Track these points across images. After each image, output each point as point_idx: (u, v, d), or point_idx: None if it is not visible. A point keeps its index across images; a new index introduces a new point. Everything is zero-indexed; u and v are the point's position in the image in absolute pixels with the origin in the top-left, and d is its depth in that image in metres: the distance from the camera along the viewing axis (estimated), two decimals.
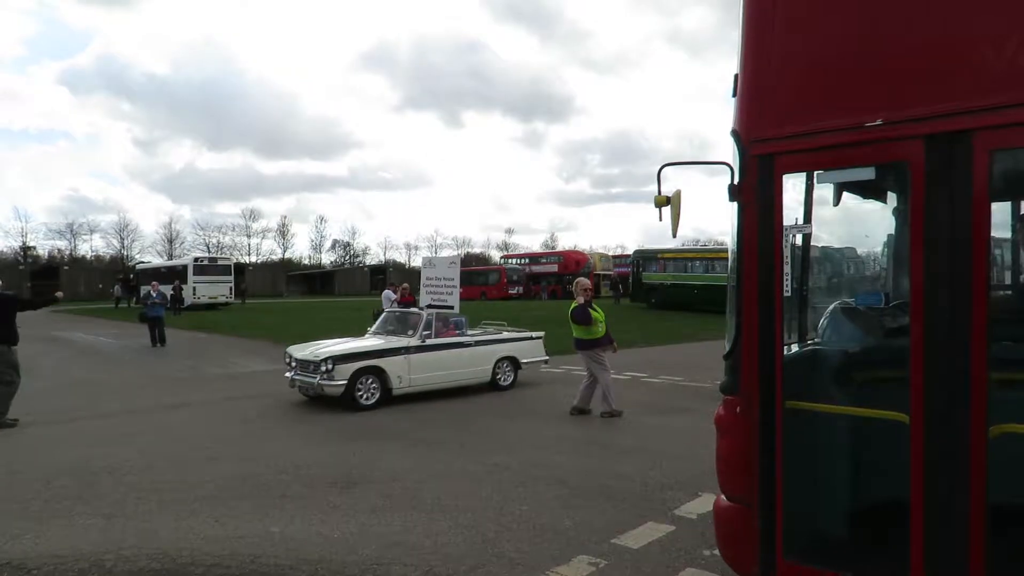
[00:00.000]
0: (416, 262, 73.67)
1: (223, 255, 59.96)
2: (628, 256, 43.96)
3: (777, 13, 3.26)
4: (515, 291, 48.65)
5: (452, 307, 16.42)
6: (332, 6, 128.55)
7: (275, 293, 63.11)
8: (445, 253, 71.32)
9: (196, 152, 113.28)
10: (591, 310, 9.38)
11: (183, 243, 76.85)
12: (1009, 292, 4.40)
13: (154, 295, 20.69)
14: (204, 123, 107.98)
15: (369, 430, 8.77)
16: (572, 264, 50.51)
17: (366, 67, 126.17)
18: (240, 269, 51.15)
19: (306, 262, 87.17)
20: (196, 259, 42.54)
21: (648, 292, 33.96)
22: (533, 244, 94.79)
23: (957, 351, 2.81)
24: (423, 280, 16.99)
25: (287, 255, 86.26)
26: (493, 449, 7.66)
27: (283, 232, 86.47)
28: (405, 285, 18.24)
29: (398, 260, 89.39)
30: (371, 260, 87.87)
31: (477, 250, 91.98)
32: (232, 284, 41.31)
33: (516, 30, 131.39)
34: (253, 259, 79.94)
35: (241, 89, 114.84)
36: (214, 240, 79.16)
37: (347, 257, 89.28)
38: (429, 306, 16.81)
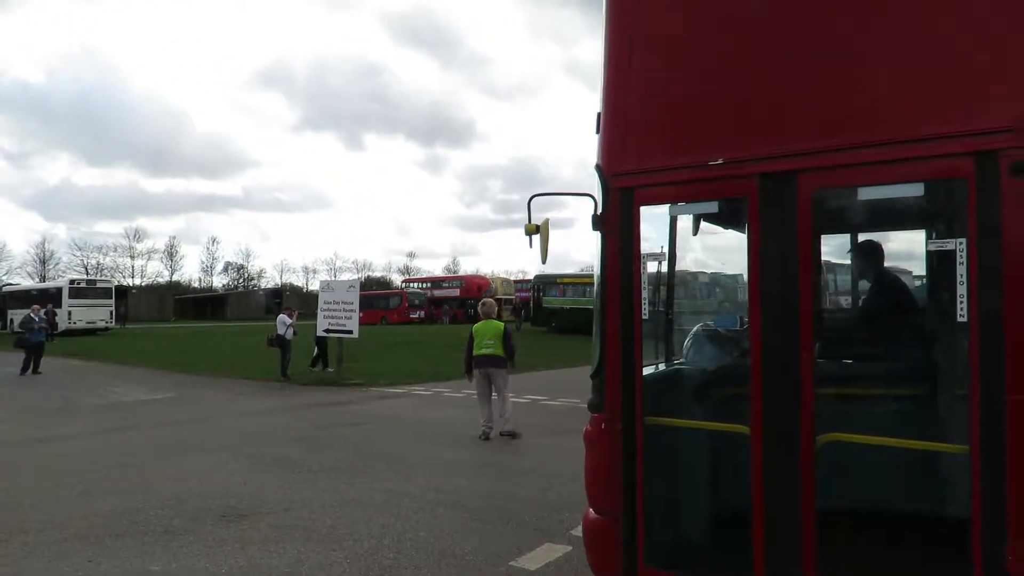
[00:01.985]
0: (314, 286, 71.63)
1: (103, 277, 56.27)
2: (529, 281, 44.59)
3: (633, 60, 3.54)
4: (416, 315, 48.20)
5: (351, 332, 16.16)
6: (225, 21, 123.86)
7: (162, 317, 59.70)
8: (345, 277, 69.93)
9: (73, 167, 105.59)
10: None
11: (58, 264, 71.30)
12: (833, 315, 4.87)
13: (36, 318, 19.21)
14: (83, 136, 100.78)
15: (262, 460, 8.43)
16: (474, 289, 50.61)
17: (262, 85, 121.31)
18: (122, 292, 48.02)
19: (196, 285, 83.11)
20: (72, 281, 39.75)
21: (548, 316, 34.54)
22: (435, 268, 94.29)
23: (788, 368, 3.11)
24: (321, 304, 16.66)
25: (175, 278, 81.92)
26: (391, 475, 7.54)
27: (171, 253, 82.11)
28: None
29: (295, 284, 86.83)
30: (267, 283, 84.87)
31: (378, 274, 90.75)
32: (112, 308, 38.80)
33: (417, 55, 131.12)
34: (137, 282, 75.45)
35: (125, 102, 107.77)
36: (93, 261, 73.95)
37: (241, 280, 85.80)
38: (327, 331, 16.47)
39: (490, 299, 11.00)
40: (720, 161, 3.27)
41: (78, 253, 73.37)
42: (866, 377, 4.06)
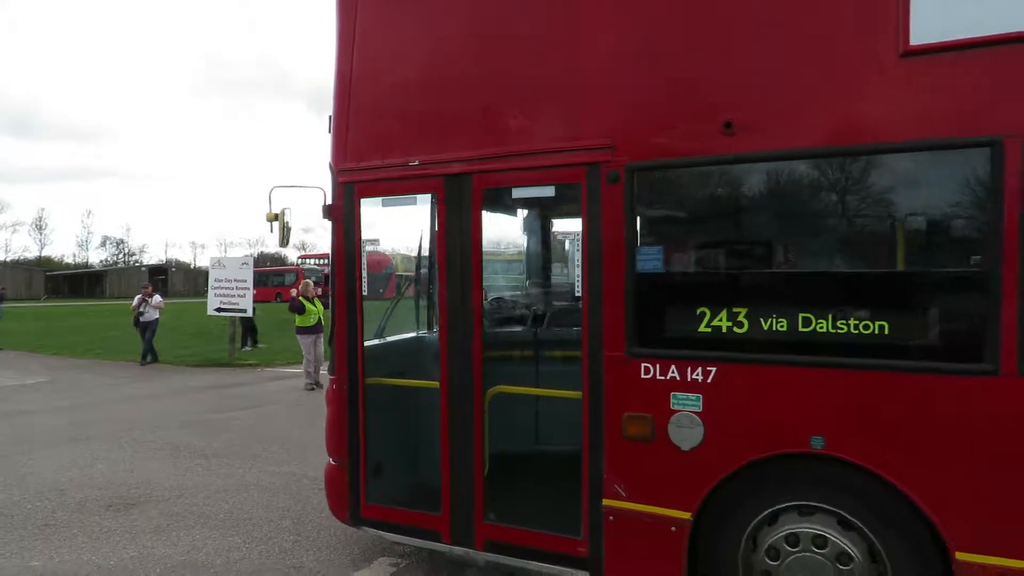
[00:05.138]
0: (203, 262, 68.18)
1: None
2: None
3: (354, 76, 4.29)
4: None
5: (244, 310, 15.58)
6: None
7: (31, 296, 55.27)
8: (236, 253, 66.94)
9: None
10: (308, 303, 12.15)
11: None
12: (494, 292, 6.00)
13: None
14: None
15: (150, 446, 8.08)
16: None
17: (144, 49, 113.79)
18: None
19: (70, 261, 77.36)
20: None
21: None
22: None
23: (465, 333, 3.99)
24: (211, 282, 15.96)
25: (45, 253, 75.91)
26: (288, 458, 7.43)
27: (39, 227, 75.94)
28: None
29: (182, 259, 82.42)
30: (150, 259, 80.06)
31: (272, 250, 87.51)
32: None
33: (312, 25, 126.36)
34: (0, 257, 69.29)
35: None
36: None
37: (121, 256, 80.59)
38: (219, 309, 15.80)
39: (307, 279, 13.56)
40: (417, 163, 4.06)
41: None
42: (531, 342, 5.19)
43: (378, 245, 4.54)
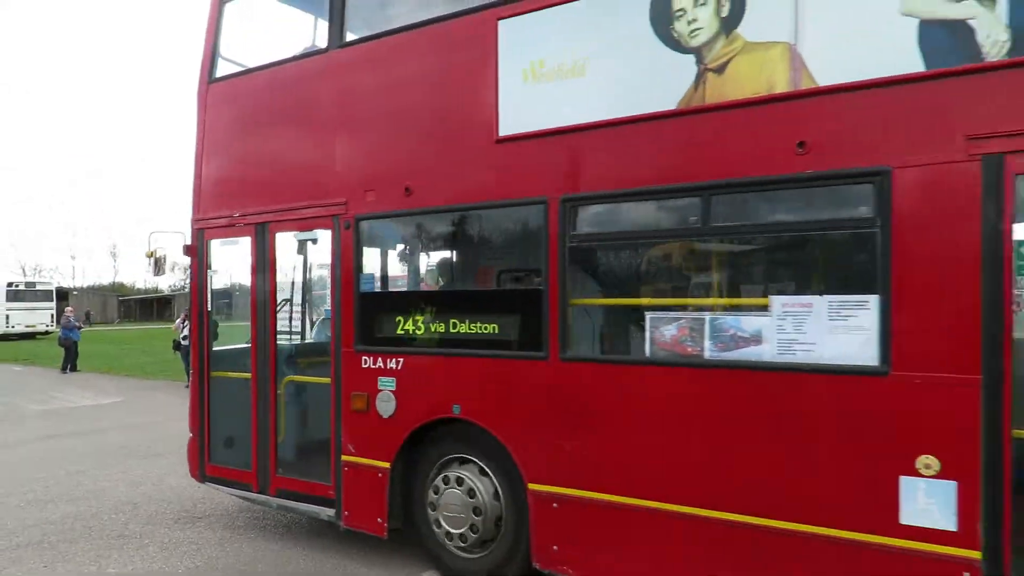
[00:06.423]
0: None
1: (42, 279, 54.38)
2: None
3: (204, 152, 5.99)
4: None
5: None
6: None
7: (105, 320, 58.02)
8: None
9: None
10: None
11: None
12: (293, 307, 7.25)
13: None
14: None
15: None
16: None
17: None
18: (63, 294, 46.52)
19: (141, 286, 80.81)
20: (10, 284, 38.37)
21: None
22: None
23: (265, 339, 5.62)
24: None
25: (118, 279, 79.54)
26: None
27: (113, 254, 79.72)
28: None
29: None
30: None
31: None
32: (53, 311, 37.59)
33: None
34: (79, 283, 72.97)
35: None
36: (31, 262, 71.39)
37: (187, 280, 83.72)
38: None
39: None
40: (237, 214, 5.70)
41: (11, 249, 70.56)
42: (310, 349, 6.80)
43: (214, 274, 6.19)
